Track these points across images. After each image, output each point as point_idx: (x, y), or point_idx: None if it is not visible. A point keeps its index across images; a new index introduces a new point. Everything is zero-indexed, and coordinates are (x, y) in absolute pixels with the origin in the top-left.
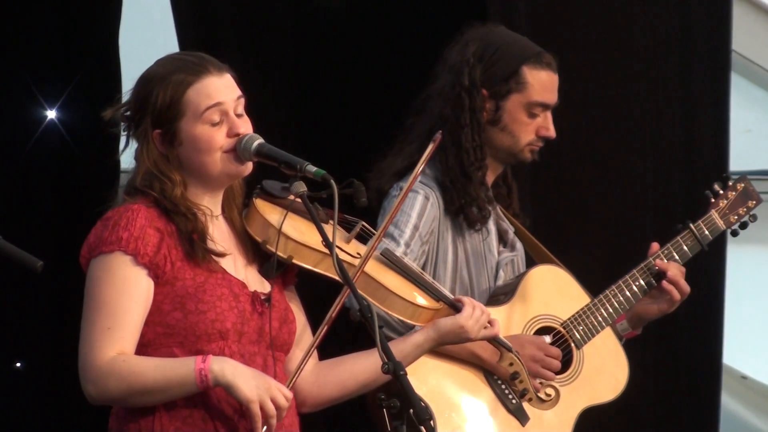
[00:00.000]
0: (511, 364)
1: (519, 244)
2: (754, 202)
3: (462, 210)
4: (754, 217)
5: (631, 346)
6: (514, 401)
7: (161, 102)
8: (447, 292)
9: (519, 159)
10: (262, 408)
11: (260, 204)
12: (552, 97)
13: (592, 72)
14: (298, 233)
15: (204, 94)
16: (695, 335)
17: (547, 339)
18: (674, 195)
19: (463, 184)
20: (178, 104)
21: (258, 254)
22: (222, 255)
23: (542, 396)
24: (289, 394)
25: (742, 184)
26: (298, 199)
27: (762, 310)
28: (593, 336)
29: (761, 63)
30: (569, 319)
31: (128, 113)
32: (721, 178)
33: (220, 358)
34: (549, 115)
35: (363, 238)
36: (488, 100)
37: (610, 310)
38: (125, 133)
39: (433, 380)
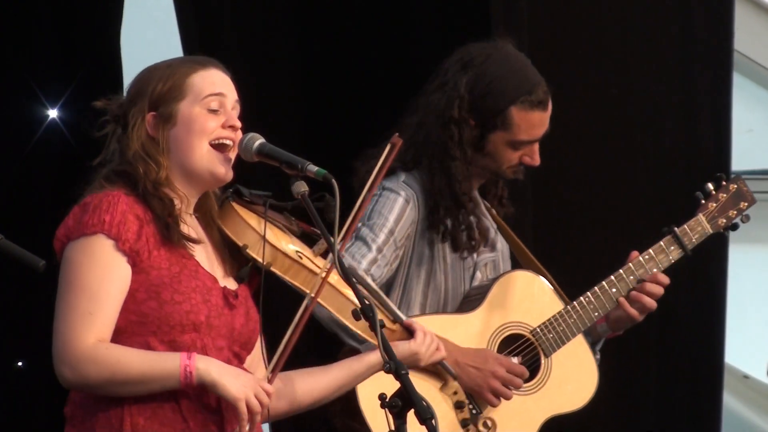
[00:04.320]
0: (455, 393)
1: (500, 243)
2: (747, 203)
3: (449, 235)
4: (746, 218)
5: (632, 346)
6: (474, 411)
7: (162, 85)
8: (401, 314)
9: (500, 177)
10: (247, 405)
11: (238, 207)
12: (539, 132)
13: (593, 72)
14: (276, 240)
15: (209, 81)
16: (697, 335)
17: (516, 360)
18: (676, 196)
19: (454, 210)
20: (182, 86)
21: (228, 254)
22: (196, 242)
23: (480, 428)
24: (271, 390)
25: (735, 185)
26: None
27: (764, 310)
28: (563, 344)
29: (763, 63)
30: (539, 326)
31: (120, 106)
32: (715, 178)
33: (204, 357)
34: (536, 146)
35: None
36: (474, 128)
37: (583, 318)
38: (113, 128)
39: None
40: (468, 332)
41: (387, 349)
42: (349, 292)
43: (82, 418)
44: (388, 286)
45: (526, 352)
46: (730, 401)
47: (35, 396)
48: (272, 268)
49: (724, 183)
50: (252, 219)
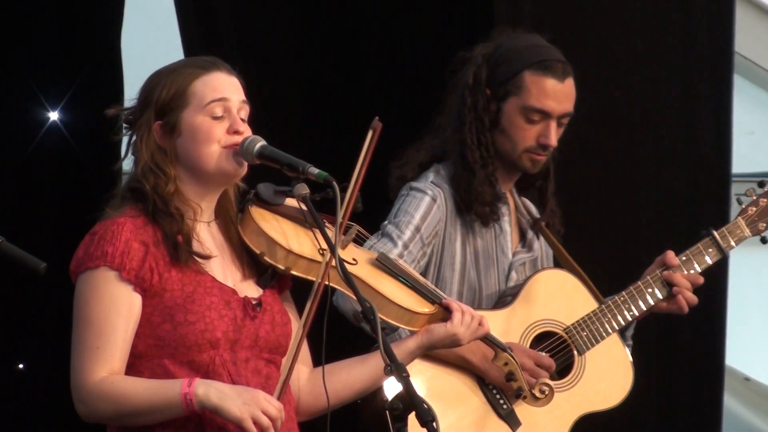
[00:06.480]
0: (506, 364)
1: (537, 244)
2: None
3: (470, 207)
4: None
5: (632, 347)
6: (505, 407)
7: (166, 92)
8: (440, 293)
9: (519, 166)
10: (256, 423)
11: (256, 212)
12: (554, 105)
13: (595, 74)
14: (295, 244)
15: (211, 87)
16: (698, 337)
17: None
18: (677, 197)
19: (467, 180)
20: (184, 94)
21: (251, 260)
22: (207, 257)
23: (537, 394)
24: (278, 404)
25: None
26: (292, 203)
27: (765, 312)
28: (597, 342)
29: (764, 65)
30: (572, 324)
31: (132, 113)
32: (759, 183)
33: (205, 382)
34: (552, 123)
35: (359, 242)
36: (491, 100)
37: (618, 317)
38: (128, 134)
39: (421, 384)
40: (500, 328)
41: (388, 352)
42: (383, 287)
43: None
44: None
45: (559, 349)
46: (730, 403)
47: (36, 398)
48: (292, 272)
49: (766, 188)
50: (270, 223)
